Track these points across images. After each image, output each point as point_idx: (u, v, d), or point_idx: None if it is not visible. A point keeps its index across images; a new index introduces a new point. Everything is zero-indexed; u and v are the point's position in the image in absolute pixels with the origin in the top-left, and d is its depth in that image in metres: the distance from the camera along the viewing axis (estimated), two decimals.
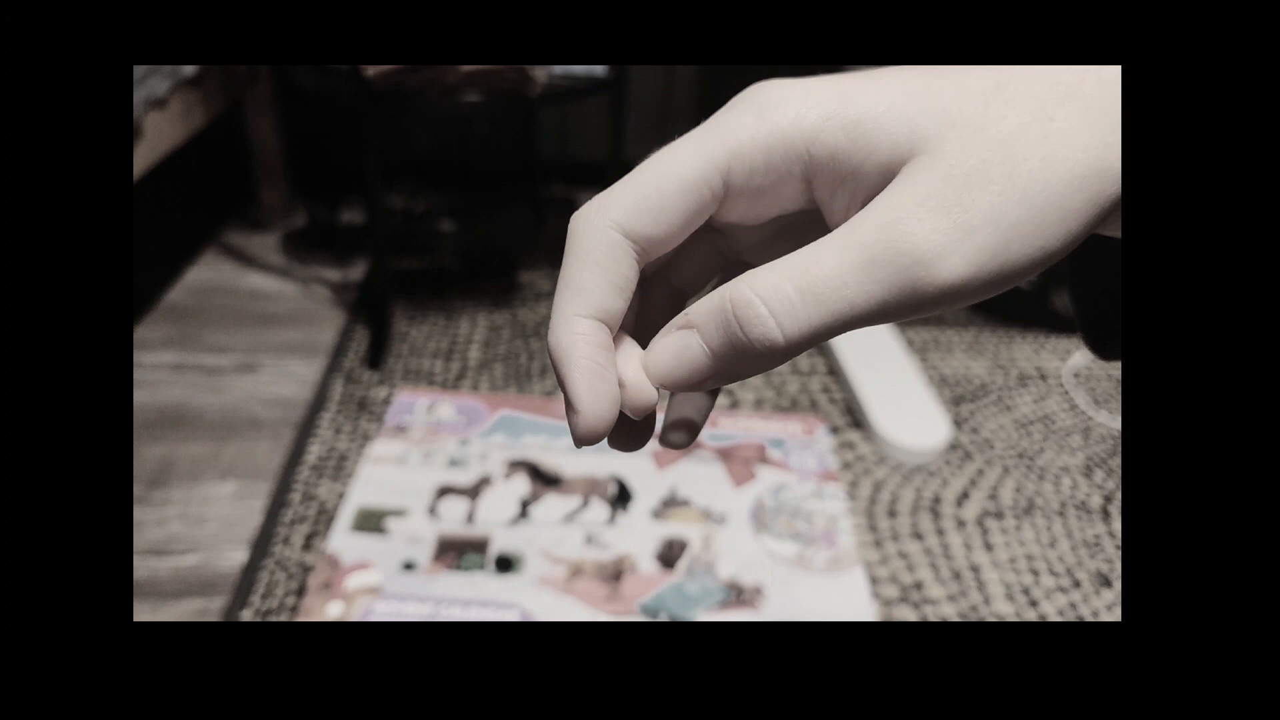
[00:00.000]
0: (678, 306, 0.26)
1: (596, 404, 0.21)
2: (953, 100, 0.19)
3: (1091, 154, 0.18)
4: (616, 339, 0.22)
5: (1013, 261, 0.18)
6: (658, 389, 0.22)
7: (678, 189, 0.21)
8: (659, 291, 0.25)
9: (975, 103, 0.19)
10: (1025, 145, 0.18)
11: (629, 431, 0.23)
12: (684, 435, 0.24)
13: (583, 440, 0.21)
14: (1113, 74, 0.18)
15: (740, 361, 0.20)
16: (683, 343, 0.21)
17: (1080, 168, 0.18)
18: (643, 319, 0.25)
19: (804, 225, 0.23)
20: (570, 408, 0.21)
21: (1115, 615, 0.88)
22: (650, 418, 0.23)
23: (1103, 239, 0.26)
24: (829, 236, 0.19)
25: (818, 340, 0.19)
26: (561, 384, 0.21)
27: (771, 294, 0.19)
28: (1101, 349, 0.29)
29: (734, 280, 0.20)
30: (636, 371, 0.22)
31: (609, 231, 0.21)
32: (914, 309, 0.19)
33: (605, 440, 0.22)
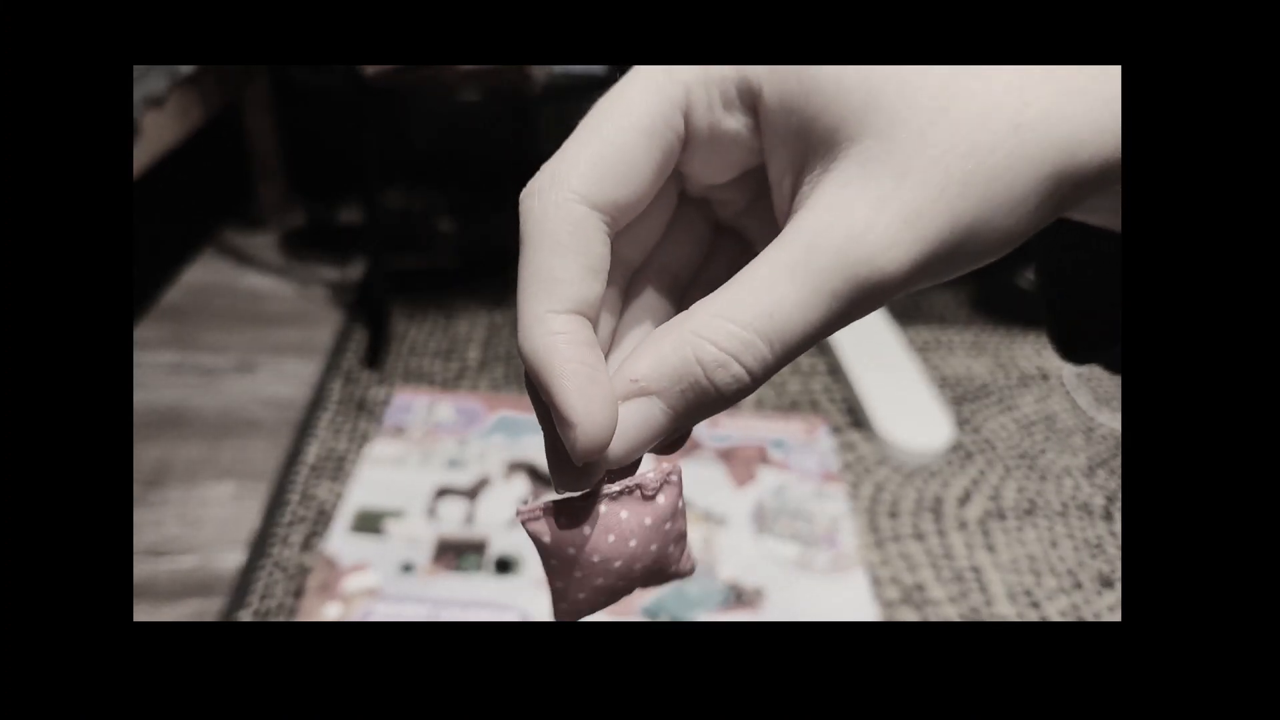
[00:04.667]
0: (674, 292, 0.23)
1: (594, 412, 0.18)
2: (918, 74, 0.17)
3: (1060, 149, 0.17)
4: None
5: (963, 250, 0.17)
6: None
7: (639, 138, 0.19)
8: (654, 279, 0.23)
9: (943, 75, 0.17)
10: (991, 135, 0.16)
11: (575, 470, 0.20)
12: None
13: (585, 456, 0.18)
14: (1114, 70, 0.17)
15: (700, 414, 0.19)
16: (646, 413, 0.19)
17: (1048, 166, 0.17)
18: (633, 313, 0.23)
19: None
20: (563, 422, 0.18)
21: (1117, 617, 0.88)
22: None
23: (1075, 239, 0.25)
24: (777, 255, 0.18)
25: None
26: (546, 395, 0.18)
27: (742, 349, 0.18)
28: (1070, 352, 0.28)
29: (687, 331, 0.18)
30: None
31: (572, 206, 0.19)
32: (868, 308, 0.18)
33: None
